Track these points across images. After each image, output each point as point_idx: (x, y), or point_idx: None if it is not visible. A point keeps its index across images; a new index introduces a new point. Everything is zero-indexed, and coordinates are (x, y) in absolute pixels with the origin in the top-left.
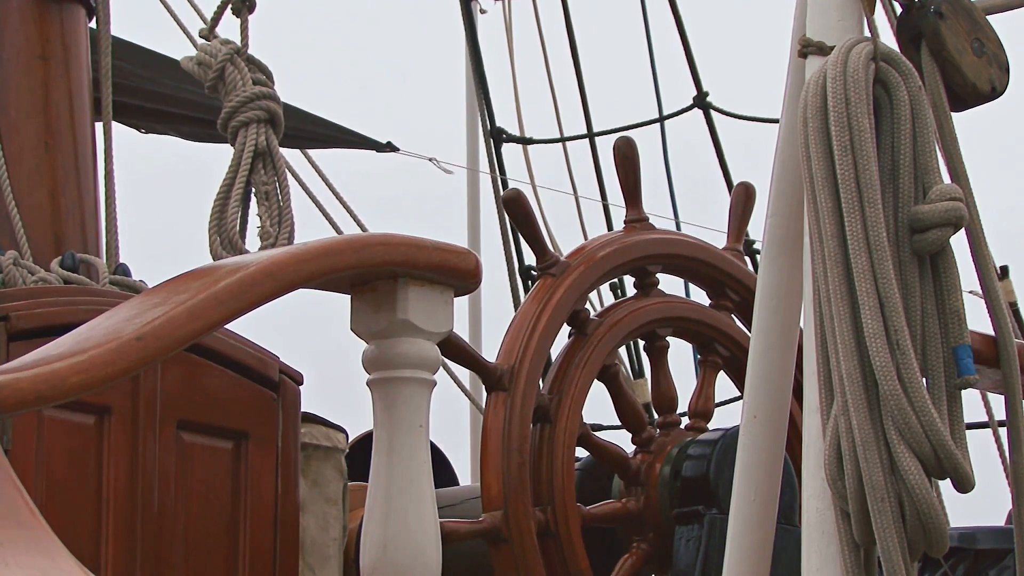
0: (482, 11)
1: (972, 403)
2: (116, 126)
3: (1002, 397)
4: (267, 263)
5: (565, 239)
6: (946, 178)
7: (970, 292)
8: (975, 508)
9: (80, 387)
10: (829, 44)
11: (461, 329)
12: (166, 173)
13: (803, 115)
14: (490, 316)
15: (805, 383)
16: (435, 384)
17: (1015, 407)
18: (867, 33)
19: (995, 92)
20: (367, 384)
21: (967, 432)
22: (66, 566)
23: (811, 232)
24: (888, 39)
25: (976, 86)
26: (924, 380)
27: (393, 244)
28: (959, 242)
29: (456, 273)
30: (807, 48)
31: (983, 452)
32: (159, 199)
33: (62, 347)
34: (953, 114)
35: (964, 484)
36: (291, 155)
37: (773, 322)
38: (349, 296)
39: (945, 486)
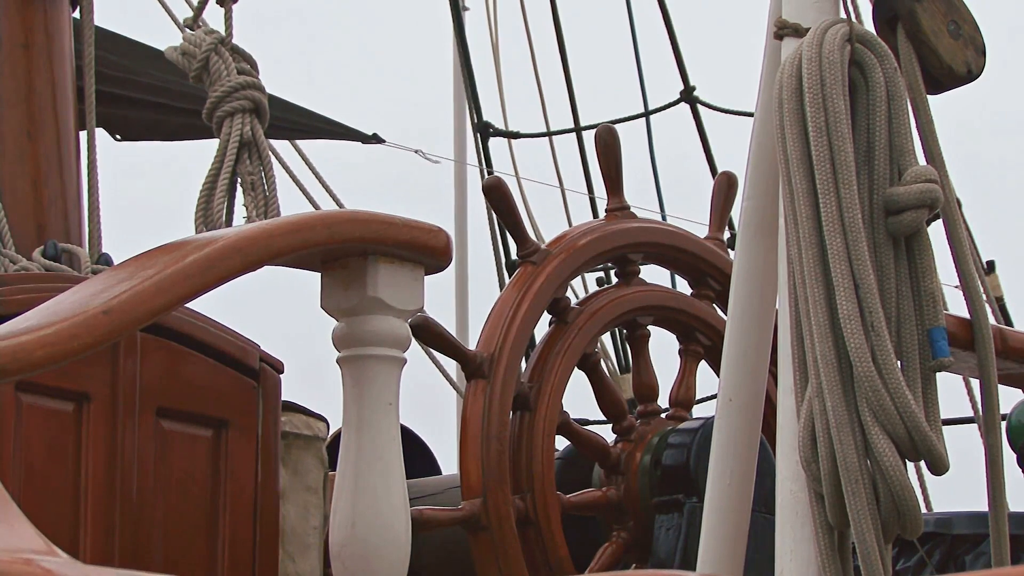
0: (465, 8)
1: (961, 398)
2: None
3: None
4: (235, 238)
5: (552, 234)
6: (922, 160)
7: (956, 287)
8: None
9: (47, 360)
10: (805, 26)
11: (448, 321)
12: (152, 162)
13: (778, 96)
14: (478, 310)
15: (780, 365)
16: (405, 362)
17: (989, 390)
18: (843, 15)
19: (971, 75)
20: (337, 362)
21: (959, 427)
22: (24, 533)
23: (786, 214)
24: (865, 22)
25: (952, 68)
26: (899, 362)
27: (363, 220)
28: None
29: (426, 250)
30: (783, 30)
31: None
32: (143, 188)
33: (29, 321)
34: (929, 96)
35: (938, 466)
36: (278, 145)
37: (749, 305)
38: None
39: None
